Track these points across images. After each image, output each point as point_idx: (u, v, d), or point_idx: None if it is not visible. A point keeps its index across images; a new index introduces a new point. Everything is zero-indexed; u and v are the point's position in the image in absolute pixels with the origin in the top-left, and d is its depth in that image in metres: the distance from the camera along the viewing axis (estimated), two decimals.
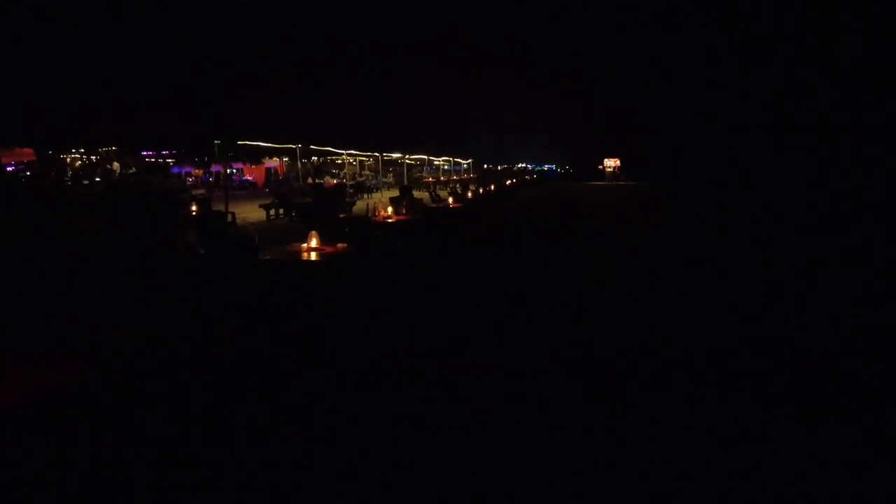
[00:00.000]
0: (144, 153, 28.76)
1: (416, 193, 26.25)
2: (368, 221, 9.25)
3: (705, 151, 70.67)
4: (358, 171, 41.27)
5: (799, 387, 4.23)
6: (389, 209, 9.88)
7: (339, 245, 6.11)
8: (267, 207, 18.36)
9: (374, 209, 9.94)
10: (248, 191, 37.49)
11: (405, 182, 40.29)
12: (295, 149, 22.57)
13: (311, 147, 23.11)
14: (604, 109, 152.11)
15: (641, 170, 63.51)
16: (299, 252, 5.77)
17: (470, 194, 18.20)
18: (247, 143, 18.77)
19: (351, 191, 29.63)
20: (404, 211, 10.34)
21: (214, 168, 38.26)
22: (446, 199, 14.68)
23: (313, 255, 5.72)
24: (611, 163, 66.45)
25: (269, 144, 20.09)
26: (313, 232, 5.93)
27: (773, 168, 49.93)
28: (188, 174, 39.88)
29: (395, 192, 33.58)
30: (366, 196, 31.61)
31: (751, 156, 60.31)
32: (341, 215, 8.93)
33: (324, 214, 9.29)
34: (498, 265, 9.38)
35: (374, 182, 36.40)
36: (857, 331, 5.66)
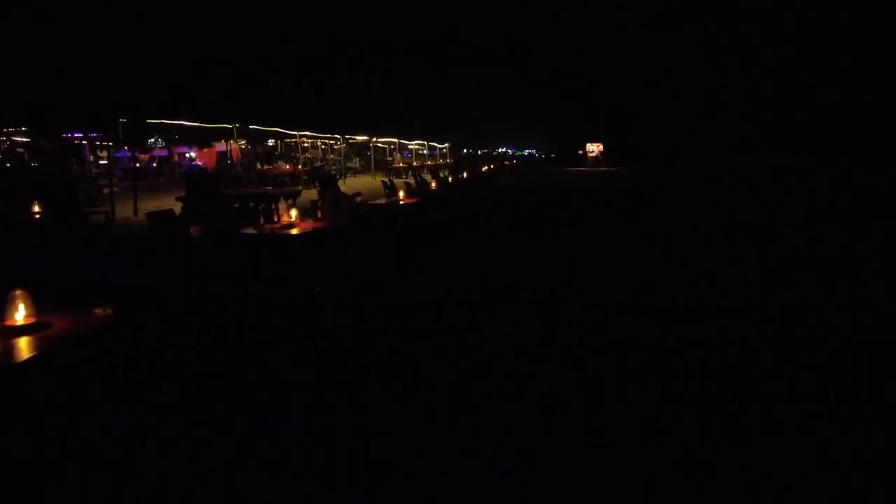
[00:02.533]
0: (66, 136, 25.07)
1: (375, 181, 22.89)
2: (253, 234, 6.05)
3: (688, 139, 68.80)
4: (321, 157, 37.69)
5: None
6: (293, 212, 6.68)
7: (100, 311, 2.95)
8: (184, 201, 15.02)
9: (275, 212, 6.77)
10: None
11: (373, 168, 36.91)
12: (232, 129, 19.19)
13: (252, 127, 19.71)
14: (585, 93, 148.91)
15: (623, 155, 61.14)
16: None
17: (434, 184, 15.03)
18: (164, 121, 15.35)
19: (306, 178, 26.22)
20: (320, 214, 7.16)
21: (156, 153, 34.62)
22: (399, 191, 11.51)
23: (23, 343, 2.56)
24: (593, 147, 63.55)
25: (195, 124, 16.68)
26: (19, 293, 2.75)
27: (754, 159, 48.14)
28: (133, 159, 36.04)
29: (368, 180, 30.26)
30: None
31: (732, 144, 58.40)
32: (193, 229, 5.56)
33: (187, 224, 6.06)
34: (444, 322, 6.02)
35: (337, 168, 32.86)
36: None
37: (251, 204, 8.89)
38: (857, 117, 52.31)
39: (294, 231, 6.38)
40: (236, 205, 9.35)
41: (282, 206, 6.71)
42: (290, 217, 6.61)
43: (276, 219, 6.63)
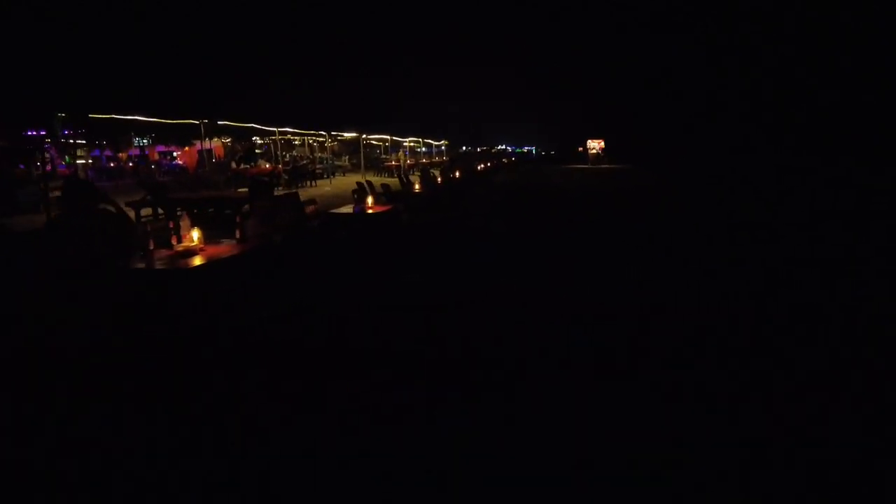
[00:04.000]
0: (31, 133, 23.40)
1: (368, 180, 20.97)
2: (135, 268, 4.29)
3: (689, 138, 67.54)
4: (308, 155, 35.84)
5: None
6: (196, 233, 4.90)
7: None
8: (136, 206, 13.20)
9: (173, 229, 5.00)
10: (175, 177, 32.09)
11: (362, 166, 35.09)
12: (199, 125, 17.40)
13: (221, 123, 17.94)
14: (585, 92, 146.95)
15: (625, 153, 59.60)
16: None
17: (417, 186, 13.29)
18: (114, 116, 13.56)
19: (287, 178, 24.40)
20: (238, 234, 5.37)
21: (131, 152, 32.90)
22: (374, 195, 9.71)
23: None
24: (594, 144, 61.64)
25: (153, 119, 14.90)
26: None
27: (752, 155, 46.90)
28: (110, 158, 34.28)
29: (357, 179, 28.37)
30: (309, 184, 26.29)
31: (733, 143, 57.15)
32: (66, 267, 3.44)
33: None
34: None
35: (323, 166, 31.00)
36: None
37: (154, 216, 7.07)
38: (857, 117, 51.19)
39: (196, 260, 4.61)
40: (144, 219, 7.54)
41: (183, 224, 4.93)
42: (193, 239, 4.83)
43: (175, 242, 4.87)
